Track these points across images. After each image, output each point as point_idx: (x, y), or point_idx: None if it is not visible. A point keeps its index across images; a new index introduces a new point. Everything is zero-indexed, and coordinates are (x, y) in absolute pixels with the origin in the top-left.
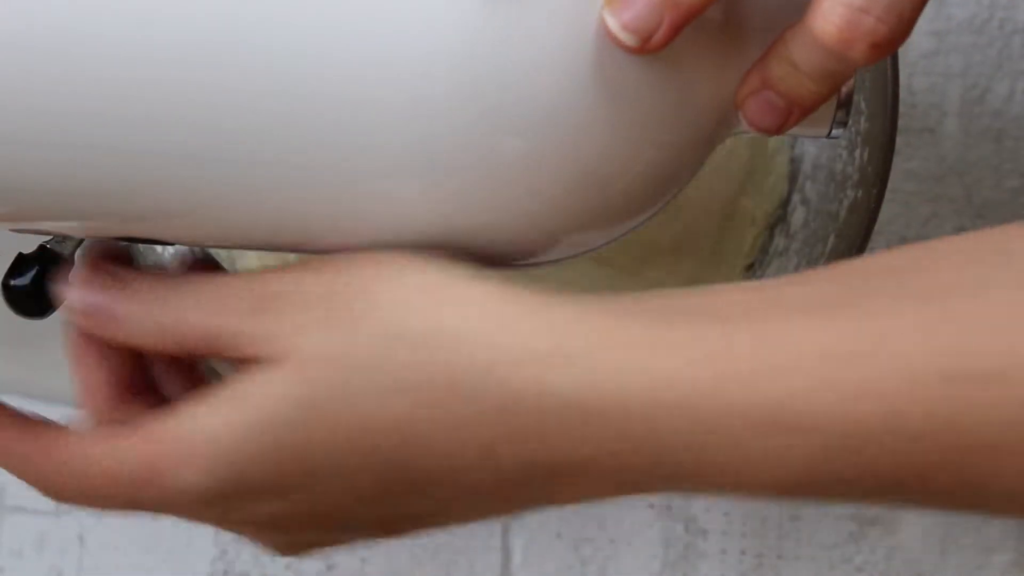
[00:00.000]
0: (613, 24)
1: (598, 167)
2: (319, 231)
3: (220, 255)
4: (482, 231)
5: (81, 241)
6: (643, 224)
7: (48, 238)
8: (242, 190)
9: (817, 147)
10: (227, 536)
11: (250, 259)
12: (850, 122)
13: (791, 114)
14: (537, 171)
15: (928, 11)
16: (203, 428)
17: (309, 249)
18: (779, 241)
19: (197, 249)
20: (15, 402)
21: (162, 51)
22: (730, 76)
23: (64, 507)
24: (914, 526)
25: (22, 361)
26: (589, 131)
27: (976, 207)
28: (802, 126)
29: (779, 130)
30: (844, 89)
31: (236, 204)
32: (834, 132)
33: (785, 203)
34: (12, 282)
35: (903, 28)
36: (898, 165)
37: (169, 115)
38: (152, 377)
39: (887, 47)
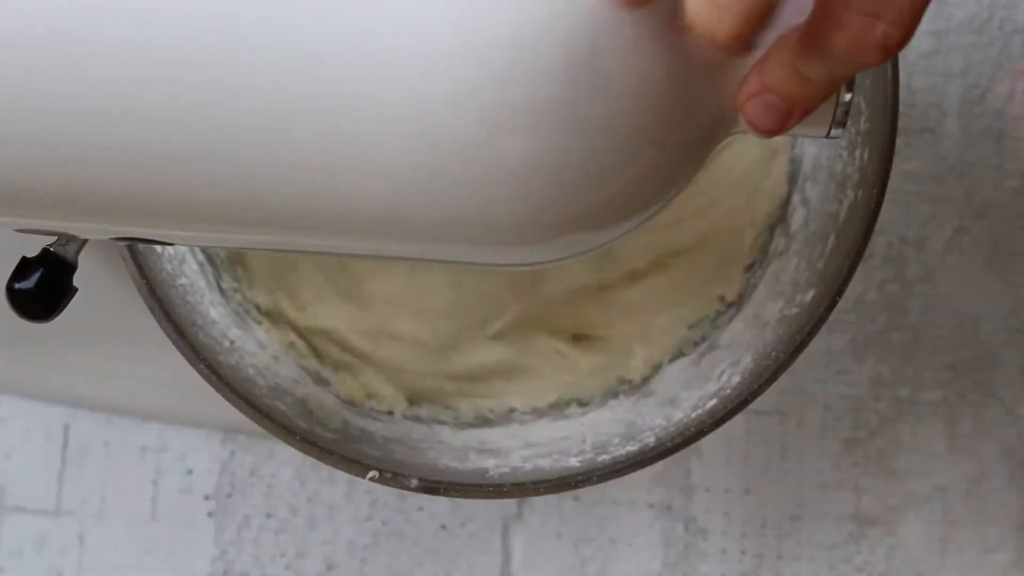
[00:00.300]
0: None
1: (597, 167)
2: (319, 230)
3: (220, 255)
4: (482, 231)
5: (84, 243)
6: (644, 224)
7: (51, 240)
8: (242, 190)
9: (817, 147)
10: (227, 536)
11: (252, 259)
12: (850, 122)
13: (791, 116)
14: (536, 170)
15: (928, 11)
16: None
17: (309, 248)
18: (779, 241)
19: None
20: (15, 402)
21: (162, 51)
22: (729, 77)
23: (64, 507)
24: (914, 526)
25: (22, 361)
26: (588, 131)
27: (976, 207)
28: (801, 127)
29: (779, 132)
30: (843, 89)
31: (236, 204)
32: (833, 132)
33: (785, 203)
34: (16, 285)
35: (912, 30)
36: (898, 165)
37: (169, 115)
38: None
39: (896, 50)
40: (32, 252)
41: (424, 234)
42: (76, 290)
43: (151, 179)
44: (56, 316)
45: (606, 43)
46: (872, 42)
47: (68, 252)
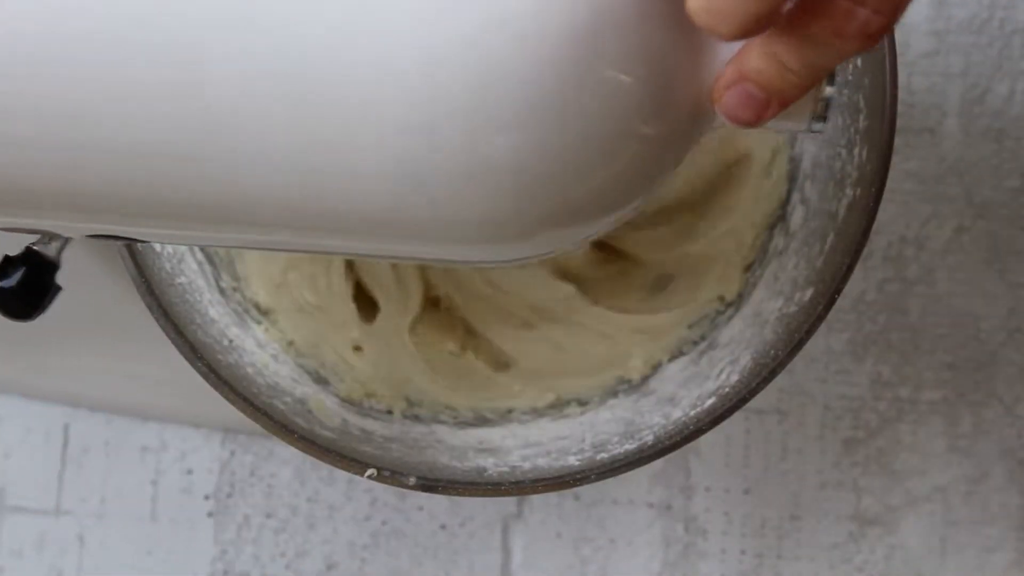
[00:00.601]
0: None
1: (581, 161)
2: (316, 229)
3: (219, 254)
4: (474, 225)
5: (66, 242)
6: (625, 218)
7: (34, 239)
8: (241, 189)
9: (816, 146)
10: (227, 536)
11: (251, 259)
12: (849, 120)
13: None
14: (524, 166)
15: (928, 11)
16: None
17: (308, 248)
18: (778, 240)
19: None
20: (14, 402)
21: (161, 51)
22: (707, 72)
23: (64, 507)
24: (914, 526)
25: (22, 361)
26: (572, 127)
27: (976, 207)
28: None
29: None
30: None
31: (234, 203)
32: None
33: (784, 203)
34: None
35: (895, 17)
36: (898, 165)
37: (169, 115)
38: None
39: (877, 37)
40: (14, 250)
41: (420, 233)
42: (60, 288)
43: (148, 179)
44: (39, 315)
45: (588, 41)
46: (854, 28)
47: (51, 250)
